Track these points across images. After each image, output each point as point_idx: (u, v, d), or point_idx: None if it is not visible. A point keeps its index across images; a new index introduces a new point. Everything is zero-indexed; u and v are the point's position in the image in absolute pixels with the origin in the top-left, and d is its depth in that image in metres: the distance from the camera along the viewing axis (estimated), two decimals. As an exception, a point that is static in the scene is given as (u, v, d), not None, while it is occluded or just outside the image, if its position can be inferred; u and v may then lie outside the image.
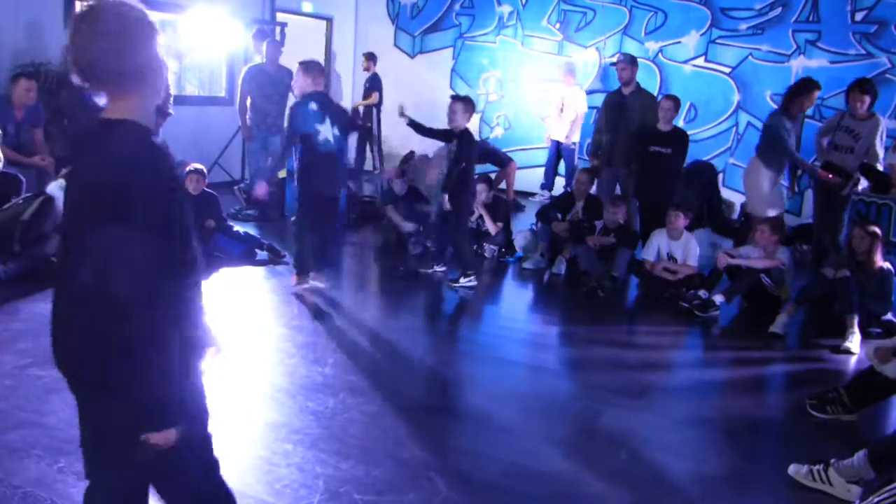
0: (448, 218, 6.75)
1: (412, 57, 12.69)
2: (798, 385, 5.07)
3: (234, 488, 3.09)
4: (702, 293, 6.32)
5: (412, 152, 9.59)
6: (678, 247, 6.72)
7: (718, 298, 6.25)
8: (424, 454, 3.56)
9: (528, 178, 11.50)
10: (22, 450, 3.25)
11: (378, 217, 8.62)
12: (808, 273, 6.93)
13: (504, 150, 10.46)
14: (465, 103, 6.60)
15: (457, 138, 6.57)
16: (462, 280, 6.62)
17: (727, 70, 10.46)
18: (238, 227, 7.17)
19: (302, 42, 11.17)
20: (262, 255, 7.02)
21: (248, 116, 8.79)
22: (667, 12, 10.71)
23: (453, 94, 7.21)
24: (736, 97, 10.46)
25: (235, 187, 9.15)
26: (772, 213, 6.96)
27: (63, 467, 3.17)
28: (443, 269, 6.94)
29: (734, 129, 10.49)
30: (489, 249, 7.78)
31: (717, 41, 10.47)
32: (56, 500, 2.93)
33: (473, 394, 4.43)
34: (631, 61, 8.03)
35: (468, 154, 6.62)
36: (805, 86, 7.10)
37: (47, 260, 5.88)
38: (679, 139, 7.49)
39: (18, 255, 5.68)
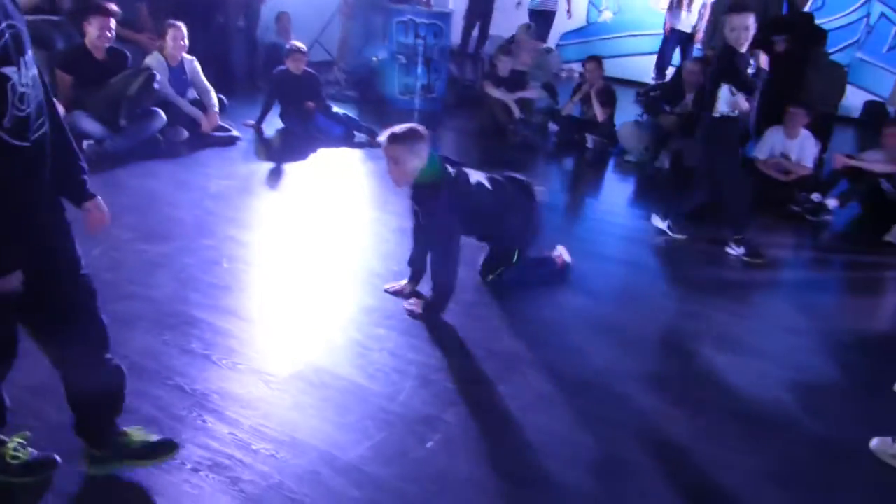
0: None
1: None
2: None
3: (325, 368, 3.17)
4: (815, 196, 5.99)
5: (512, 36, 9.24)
6: (794, 146, 6.34)
7: (832, 203, 5.92)
8: (518, 347, 3.54)
9: (636, 67, 11.00)
10: (129, 321, 3.36)
11: (477, 102, 8.41)
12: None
13: (612, 35, 9.96)
14: None
15: None
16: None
17: (864, -47, 9.59)
18: (337, 109, 7.11)
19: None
20: (360, 137, 6.99)
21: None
22: None
23: None
24: (871, -17, 9.62)
25: (335, 67, 9.06)
26: None
27: (167, 340, 3.27)
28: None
29: (865, 19, 9.67)
30: (591, 140, 7.54)
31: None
32: (161, 370, 3.03)
33: (570, 290, 4.34)
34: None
35: None
36: None
37: (153, 137, 5.99)
38: (807, 28, 6.96)
39: (125, 131, 5.78)
